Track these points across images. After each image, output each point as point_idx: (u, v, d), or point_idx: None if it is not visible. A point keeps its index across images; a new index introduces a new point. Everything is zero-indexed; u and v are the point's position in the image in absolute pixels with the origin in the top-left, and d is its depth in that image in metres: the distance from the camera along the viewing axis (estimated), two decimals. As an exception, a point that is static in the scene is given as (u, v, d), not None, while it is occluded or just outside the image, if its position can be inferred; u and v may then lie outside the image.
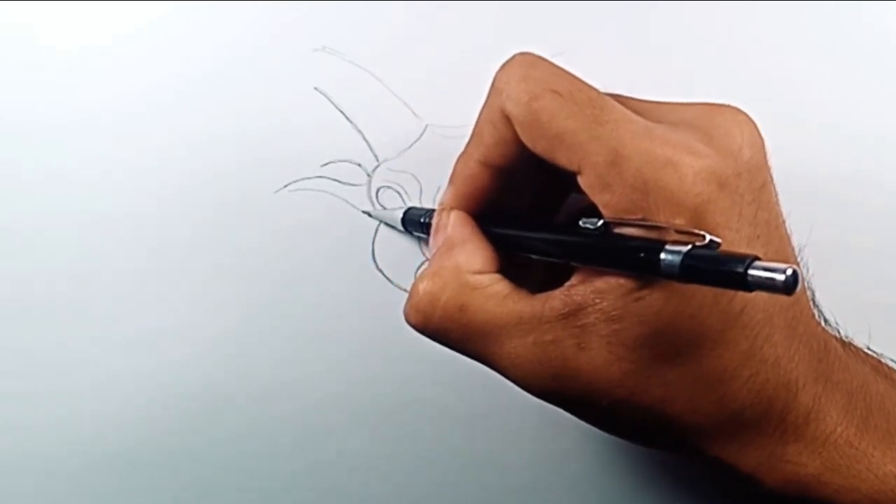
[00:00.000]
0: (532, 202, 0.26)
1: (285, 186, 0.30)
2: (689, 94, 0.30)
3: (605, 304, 0.20)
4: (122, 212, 0.30)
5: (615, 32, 0.30)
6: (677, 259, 0.18)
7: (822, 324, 0.24)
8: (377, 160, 0.30)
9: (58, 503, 0.32)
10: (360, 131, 0.30)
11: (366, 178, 0.30)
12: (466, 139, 0.30)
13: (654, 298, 0.20)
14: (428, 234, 0.27)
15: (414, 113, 0.30)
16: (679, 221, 0.19)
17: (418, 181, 0.30)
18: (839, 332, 0.25)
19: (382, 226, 0.31)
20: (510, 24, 0.30)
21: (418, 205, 0.30)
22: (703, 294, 0.20)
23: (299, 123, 0.30)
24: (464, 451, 0.32)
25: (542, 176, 0.24)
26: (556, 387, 0.22)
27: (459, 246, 0.24)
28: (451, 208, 0.26)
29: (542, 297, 0.22)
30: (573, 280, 0.22)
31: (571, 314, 0.21)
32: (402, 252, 0.31)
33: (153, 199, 0.30)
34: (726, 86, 0.31)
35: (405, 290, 0.31)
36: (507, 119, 0.22)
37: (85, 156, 0.30)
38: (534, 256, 0.24)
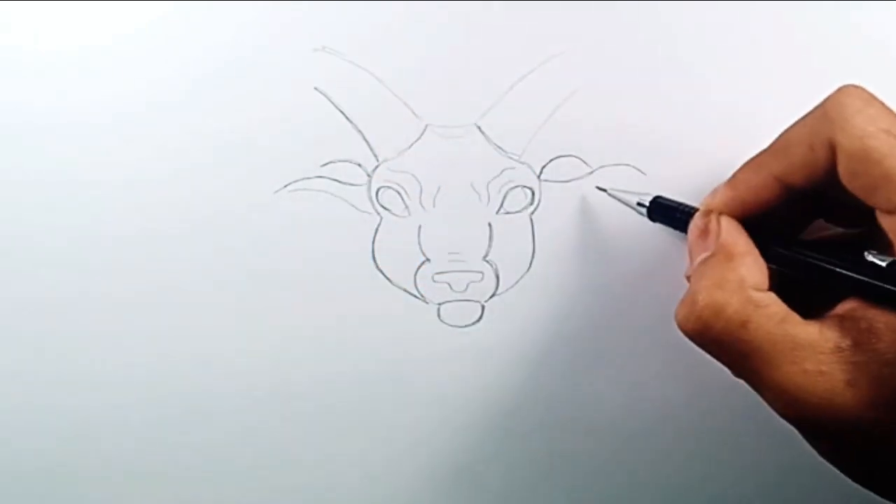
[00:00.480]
0: (784, 219, 0.26)
1: (285, 186, 0.30)
2: (690, 95, 0.30)
3: (881, 345, 0.21)
4: (122, 212, 0.30)
5: (615, 32, 0.30)
6: None
7: None
8: (377, 160, 0.30)
9: (56, 503, 0.32)
10: (360, 131, 0.30)
11: (366, 178, 0.30)
12: (467, 139, 0.30)
13: None
14: (678, 228, 0.27)
15: (414, 113, 0.30)
16: None
17: (418, 181, 0.30)
18: None
19: (382, 226, 0.31)
20: (510, 24, 0.30)
21: (419, 206, 0.30)
22: None
23: (299, 123, 0.30)
24: (464, 450, 0.32)
25: (820, 199, 0.24)
26: (815, 417, 0.22)
27: (740, 257, 0.24)
28: (721, 213, 0.26)
29: (815, 324, 0.22)
30: (845, 309, 0.22)
31: (846, 349, 0.21)
32: (402, 252, 0.31)
33: (153, 198, 0.30)
34: (727, 86, 0.31)
35: (405, 290, 0.31)
36: (831, 147, 0.22)
37: (84, 156, 0.30)
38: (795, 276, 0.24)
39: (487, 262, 0.31)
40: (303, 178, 0.30)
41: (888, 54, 0.31)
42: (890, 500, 0.23)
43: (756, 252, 0.24)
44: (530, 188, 0.31)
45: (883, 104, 0.22)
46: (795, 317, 0.23)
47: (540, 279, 0.31)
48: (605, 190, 0.30)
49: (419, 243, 0.31)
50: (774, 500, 0.33)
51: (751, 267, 0.24)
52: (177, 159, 0.30)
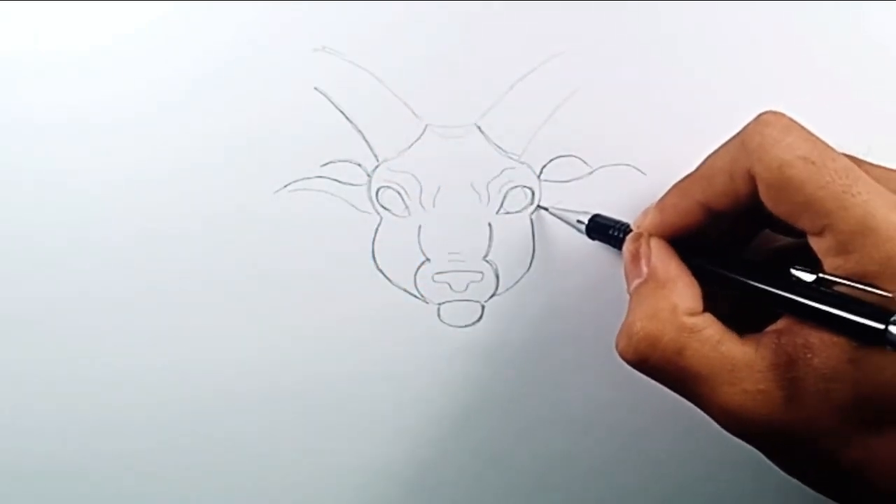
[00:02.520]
0: (727, 234, 0.27)
1: (285, 186, 0.30)
2: (690, 95, 0.30)
3: (817, 360, 0.21)
4: (122, 212, 0.30)
5: (615, 32, 0.30)
6: None
7: None
8: (377, 160, 0.30)
9: (57, 501, 0.32)
10: (360, 131, 0.30)
11: (366, 178, 0.30)
12: (467, 139, 0.30)
13: (871, 364, 0.20)
14: (614, 245, 0.28)
15: (414, 113, 0.30)
16: None
17: (418, 181, 0.30)
18: None
19: (382, 226, 0.31)
20: (510, 24, 0.30)
21: (419, 206, 0.30)
22: None
23: (299, 123, 0.30)
24: (464, 449, 0.32)
25: (750, 217, 0.24)
26: (759, 433, 0.23)
27: (671, 284, 0.24)
28: (651, 235, 0.26)
29: (751, 342, 0.22)
30: (781, 325, 0.22)
31: (782, 365, 0.21)
32: (402, 252, 0.31)
33: (152, 199, 0.30)
34: (727, 86, 0.31)
35: (405, 290, 0.31)
36: (751, 177, 0.22)
37: (84, 156, 0.30)
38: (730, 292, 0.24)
39: (487, 262, 0.31)
40: (303, 178, 0.30)
41: (888, 54, 0.31)
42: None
43: (687, 275, 0.25)
44: (530, 188, 0.31)
45: (802, 129, 0.22)
46: (732, 337, 0.23)
47: (540, 279, 0.31)
48: (546, 209, 0.31)
49: (419, 243, 0.31)
50: (774, 500, 0.33)
51: (682, 292, 0.24)
52: (177, 159, 0.30)
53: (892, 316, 0.19)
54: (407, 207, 0.31)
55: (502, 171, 0.30)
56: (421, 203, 0.31)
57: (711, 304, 0.24)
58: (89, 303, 0.30)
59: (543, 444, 0.32)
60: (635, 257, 0.26)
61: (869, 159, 0.25)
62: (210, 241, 0.30)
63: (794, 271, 0.22)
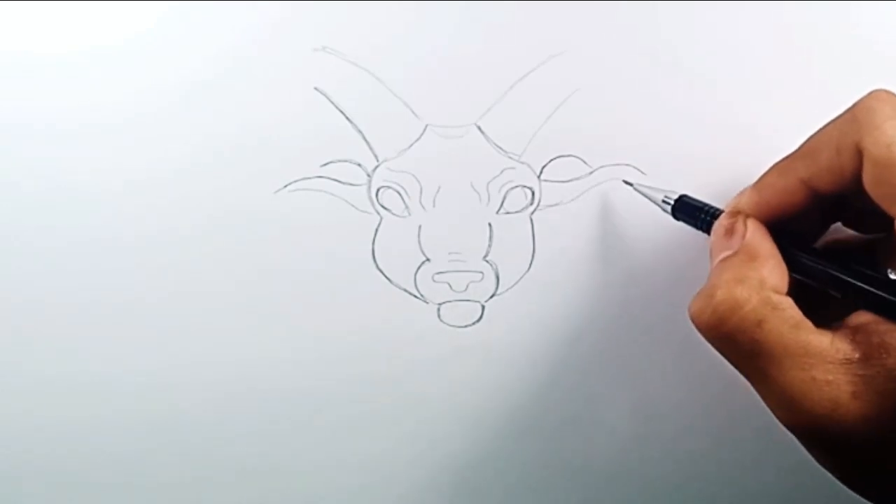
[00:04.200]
0: (806, 221, 0.26)
1: (285, 186, 0.30)
2: (690, 95, 0.30)
3: (891, 361, 0.21)
4: (122, 212, 0.30)
5: (615, 33, 0.30)
6: None
7: None
8: (377, 160, 0.30)
9: (59, 502, 0.32)
10: (360, 131, 0.30)
11: (366, 178, 0.30)
12: (467, 139, 0.30)
13: None
14: (702, 229, 0.27)
15: (414, 113, 0.30)
16: None
17: (418, 181, 0.30)
18: None
19: (382, 226, 0.31)
20: (510, 24, 0.30)
21: (419, 205, 0.30)
22: None
23: (299, 123, 0.30)
24: (464, 450, 0.32)
25: (843, 204, 0.24)
26: (816, 426, 0.22)
27: (763, 259, 0.24)
28: (748, 216, 0.26)
29: (828, 333, 0.22)
30: (857, 322, 0.22)
31: (855, 361, 0.21)
32: (402, 252, 0.31)
33: (152, 199, 0.30)
34: (727, 86, 0.31)
35: (405, 290, 0.31)
36: (858, 152, 0.22)
37: (83, 157, 0.30)
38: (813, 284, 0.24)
39: (487, 262, 0.31)
40: (303, 178, 0.30)
41: (888, 54, 0.31)
42: None
43: (779, 256, 0.24)
44: (530, 188, 0.31)
45: None
46: (809, 324, 0.23)
47: (540, 279, 0.31)
48: (631, 184, 0.30)
49: (419, 243, 0.31)
50: (774, 500, 0.33)
51: (773, 269, 0.24)
52: (177, 160, 0.30)
53: None
54: (407, 207, 0.31)
55: (502, 171, 0.30)
56: (421, 203, 0.31)
57: (790, 293, 0.24)
58: (89, 303, 0.30)
59: (543, 444, 0.32)
60: (728, 232, 0.26)
61: None
62: (210, 241, 0.30)
63: (890, 273, 0.22)
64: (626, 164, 0.31)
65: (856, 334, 0.22)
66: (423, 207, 0.31)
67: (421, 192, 0.30)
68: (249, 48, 0.30)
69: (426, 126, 0.30)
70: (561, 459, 0.32)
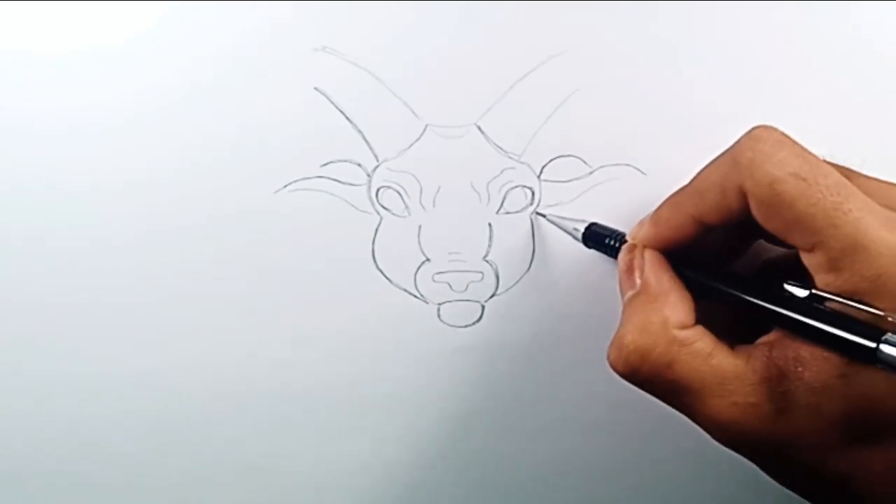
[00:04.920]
0: (720, 246, 0.27)
1: (285, 186, 0.30)
2: (690, 95, 0.30)
3: (808, 374, 0.21)
4: (123, 212, 0.30)
5: (615, 32, 0.30)
6: None
7: None
8: (377, 160, 0.30)
9: (60, 503, 0.32)
10: (360, 131, 0.30)
11: (366, 178, 0.30)
12: (467, 139, 0.30)
13: (861, 379, 0.20)
14: (609, 255, 0.28)
15: (414, 113, 0.30)
16: None
17: (418, 181, 0.30)
18: None
19: (382, 226, 0.31)
20: (510, 24, 0.30)
21: (419, 205, 0.30)
22: None
23: (299, 123, 0.30)
24: (464, 449, 0.32)
25: (743, 231, 0.25)
26: (752, 445, 0.23)
27: (663, 297, 0.25)
28: (645, 247, 0.26)
29: (742, 355, 0.23)
30: (773, 337, 0.22)
31: (773, 378, 0.22)
32: (402, 252, 0.31)
33: (153, 199, 0.30)
34: (727, 86, 0.31)
35: (405, 290, 0.31)
36: (742, 193, 0.22)
37: (83, 157, 0.30)
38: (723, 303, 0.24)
39: (487, 262, 0.31)
40: (303, 178, 0.30)
41: (888, 54, 0.31)
42: None
43: (680, 288, 0.25)
44: (530, 188, 0.31)
45: (794, 144, 0.22)
46: (723, 349, 0.23)
47: (540, 279, 0.31)
48: (544, 215, 0.31)
49: (419, 243, 0.31)
50: (774, 500, 0.33)
51: (675, 305, 0.24)
52: (177, 160, 0.30)
53: (882, 334, 0.19)
54: (407, 207, 0.31)
55: (502, 171, 0.30)
56: (421, 203, 0.31)
57: (705, 316, 0.24)
58: (89, 303, 0.30)
59: (544, 444, 0.32)
60: (629, 269, 0.26)
61: (864, 170, 0.25)
62: (210, 241, 0.30)
63: (787, 286, 0.22)
64: (626, 164, 0.31)
65: (772, 350, 0.22)
66: (423, 207, 0.31)
67: (421, 192, 0.30)
68: (249, 48, 0.30)
69: (426, 126, 0.30)
70: (561, 459, 0.32)
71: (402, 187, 0.30)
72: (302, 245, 0.30)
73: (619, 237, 0.28)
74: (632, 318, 0.25)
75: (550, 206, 0.31)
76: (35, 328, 0.30)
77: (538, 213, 0.31)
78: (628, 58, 0.30)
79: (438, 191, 0.31)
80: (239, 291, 0.31)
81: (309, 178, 0.30)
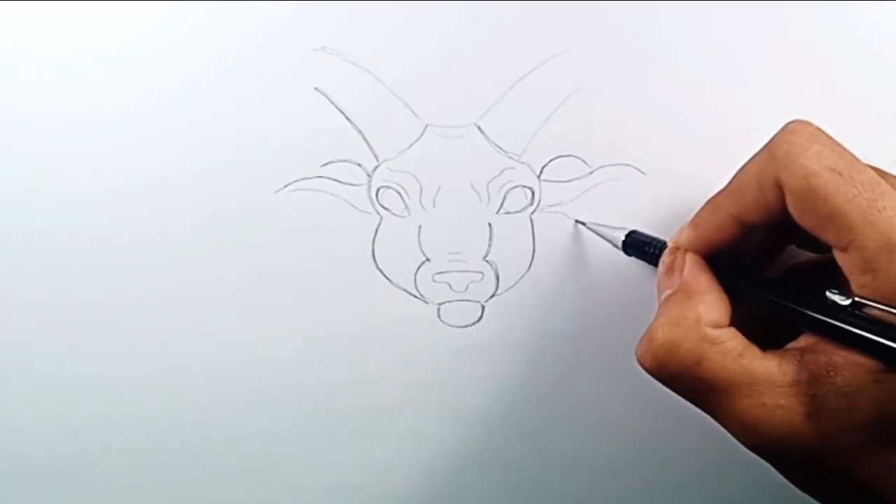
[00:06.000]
0: (756, 249, 0.27)
1: (285, 186, 0.30)
2: (689, 95, 0.30)
3: (840, 379, 0.21)
4: (123, 212, 0.30)
5: (615, 32, 0.30)
6: None
7: None
8: (377, 160, 0.30)
9: (60, 503, 0.32)
10: (360, 131, 0.30)
11: (366, 178, 0.30)
12: (467, 139, 0.30)
13: (893, 386, 0.20)
14: (650, 262, 0.28)
15: (414, 113, 0.30)
16: None
17: (418, 181, 0.30)
18: None
19: (382, 226, 0.31)
20: (510, 24, 0.30)
21: (419, 205, 0.30)
22: None
23: (299, 123, 0.30)
24: (465, 450, 0.32)
25: (780, 232, 0.25)
26: (775, 449, 0.22)
27: (699, 295, 0.24)
28: (687, 250, 0.26)
29: (774, 357, 0.22)
30: (805, 342, 0.22)
31: (804, 382, 0.21)
32: (402, 252, 0.31)
33: (153, 199, 0.30)
34: (727, 86, 0.31)
35: (405, 290, 0.31)
36: (778, 187, 0.22)
37: (84, 157, 0.30)
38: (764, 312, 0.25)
39: (487, 262, 0.31)
40: (303, 178, 0.30)
41: (888, 54, 0.31)
42: None
43: (717, 289, 0.25)
44: (530, 188, 0.31)
45: (829, 139, 0.22)
46: (754, 350, 0.23)
47: (540, 279, 0.31)
48: (584, 223, 0.31)
49: (419, 243, 0.31)
50: (775, 500, 0.33)
51: (710, 304, 0.24)
52: (177, 160, 0.30)
53: None
54: (407, 207, 0.31)
55: (502, 171, 0.30)
56: (421, 203, 0.31)
57: (739, 317, 0.24)
58: (89, 303, 0.30)
59: (544, 444, 0.32)
60: (670, 269, 0.26)
61: (894, 171, 0.25)
62: (210, 241, 0.30)
63: (829, 294, 0.22)
64: (626, 164, 0.31)
65: (804, 355, 0.22)
66: (423, 207, 0.31)
67: (421, 192, 0.30)
68: (249, 48, 0.30)
69: (426, 126, 0.30)
70: (561, 459, 0.32)
71: (402, 187, 0.30)
72: (302, 245, 0.30)
73: (660, 244, 0.28)
74: (665, 314, 0.24)
75: (550, 206, 0.31)
76: (35, 328, 0.30)
77: (578, 222, 0.31)
78: (628, 58, 0.30)
79: (438, 191, 0.31)
80: (239, 291, 0.31)
81: (309, 178, 0.30)
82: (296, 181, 0.30)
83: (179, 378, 0.31)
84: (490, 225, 0.31)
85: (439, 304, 0.31)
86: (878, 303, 0.21)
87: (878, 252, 0.20)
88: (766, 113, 0.30)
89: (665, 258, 0.27)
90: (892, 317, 0.20)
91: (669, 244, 0.27)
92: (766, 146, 0.23)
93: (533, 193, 0.31)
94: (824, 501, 0.24)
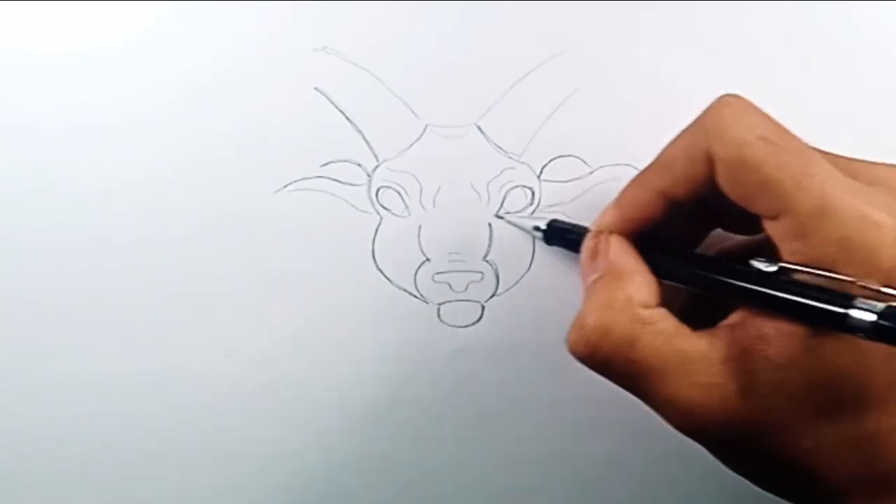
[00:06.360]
0: (682, 231, 0.26)
1: (285, 186, 0.30)
2: (689, 95, 0.30)
3: (772, 351, 0.21)
4: (123, 212, 0.30)
5: (615, 33, 0.30)
6: (870, 316, 0.18)
7: None
8: (377, 160, 0.30)
9: (60, 503, 0.32)
10: (360, 131, 0.30)
11: (366, 178, 0.30)
12: (467, 139, 0.30)
13: (826, 350, 0.20)
14: (572, 249, 0.27)
15: (414, 113, 0.30)
16: (871, 279, 0.19)
17: (418, 181, 0.30)
18: None
19: (382, 226, 0.31)
20: (510, 24, 0.30)
21: (419, 205, 0.30)
22: (877, 352, 0.20)
23: (299, 123, 0.30)
24: (464, 450, 0.32)
25: (706, 211, 0.24)
26: (710, 428, 0.22)
27: (628, 276, 0.24)
28: (611, 232, 0.26)
29: (706, 336, 0.22)
30: (736, 318, 0.22)
31: (736, 358, 0.21)
32: (402, 252, 0.31)
33: (153, 199, 0.30)
34: (727, 86, 0.31)
35: (405, 290, 0.31)
36: (709, 159, 0.22)
37: (84, 157, 0.30)
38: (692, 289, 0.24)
39: (487, 262, 0.31)
40: (303, 178, 0.30)
41: (888, 54, 0.31)
42: (793, 501, 0.24)
43: (644, 269, 0.24)
44: (530, 188, 0.31)
45: (760, 111, 0.22)
46: (686, 330, 0.23)
47: (540, 279, 0.31)
48: (502, 217, 0.30)
49: (419, 243, 0.31)
50: (776, 500, 0.33)
51: (639, 285, 0.24)
52: (177, 160, 0.30)
53: (852, 300, 0.19)
54: (407, 207, 0.31)
55: (502, 171, 0.30)
56: (421, 203, 0.31)
57: (668, 301, 0.24)
58: (89, 303, 0.30)
59: (544, 444, 0.32)
60: (594, 253, 0.26)
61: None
62: (210, 241, 0.30)
63: (754, 262, 0.21)
64: (626, 164, 0.31)
65: (734, 330, 0.22)
66: (423, 207, 0.31)
67: (421, 192, 0.30)
68: (249, 48, 0.30)
69: (426, 126, 0.30)
70: (561, 459, 0.32)
71: (402, 187, 0.30)
72: (302, 245, 0.30)
73: (581, 230, 0.27)
74: (593, 299, 0.24)
75: (551, 206, 0.31)
76: (35, 328, 0.30)
77: (497, 216, 0.30)
78: (628, 58, 0.30)
79: (438, 191, 0.31)
80: (239, 291, 0.31)
81: (309, 178, 0.30)
82: (296, 181, 0.30)
83: (179, 378, 0.31)
84: (490, 225, 0.31)
85: (439, 304, 0.31)
86: (803, 265, 0.20)
87: (809, 217, 0.20)
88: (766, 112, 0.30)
89: (588, 242, 0.26)
90: (819, 280, 0.20)
91: (592, 228, 0.27)
92: (696, 120, 0.23)
93: (533, 193, 0.31)
94: (758, 482, 0.24)
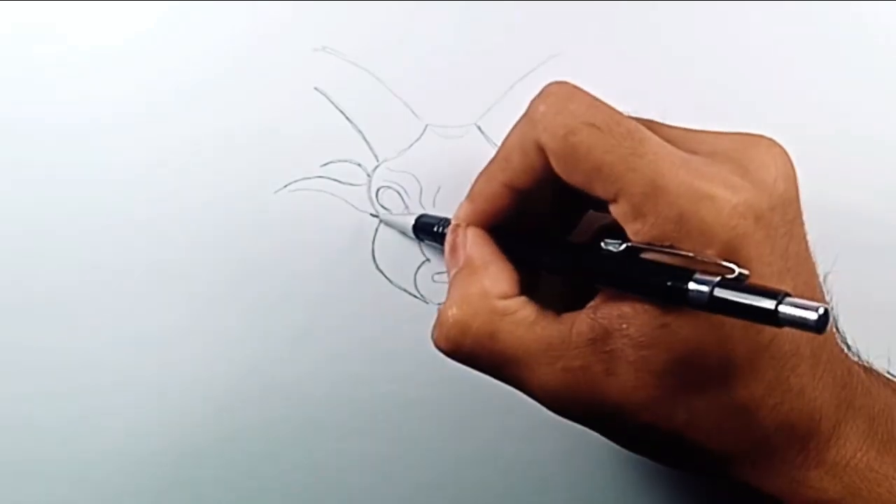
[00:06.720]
0: (549, 218, 0.26)
1: (285, 186, 0.30)
2: (689, 95, 0.30)
3: (631, 329, 0.21)
4: (124, 211, 0.30)
5: (615, 32, 0.30)
6: (706, 289, 0.18)
7: (845, 350, 0.24)
8: (377, 160, 0.30)
9: (60, 503, 0.32)
10: (360, 131, 0.30)
11: (366, 178, 0.30)
12: (467, 139, 0.30)
13: (681, 326, 0.20)
14: (439, 243, 0.27)
15: (414, 113, 0.30)
16: (709, 252, 0.19)
17: (418, 181, 0.30)
18: (860, 358, 0.25)
19: (383, 226, 0.31)
20: (510, 24, 0.30)
21: (419, 205, 0.30)
22: (732, 324, 0.20)
23: (299, 123, 0.30)
24: (463, 450, 0.32)
25: (563, 196, 0.24)
26: (585, 411, 0.22)
27: (483, 269, 0.24)
28: (468, 225, 0.26)
29: (567, 320, 0.22)
30: (597, 301, 0.22)
31: (599, 339, 0.21)
32: (402, 252, 0.31)
33: (154, 198, 0.30)
34: (727, 86, 0.31)
35: (405, 290, 0.31)
36: (540, 149, 0.22)
37: (84, 157, 0.30)
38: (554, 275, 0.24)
39: (487, 262, 0.31)
40: (303, 178, 0.30)
41: (888, 54, 0.31)
42: (678, 468, 0.24)
43: (501, 259, 0.24)
44: (530, 188, 0.31)
45: (586, 95, 0.22)
46: (548, 316, 0.23)
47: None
48: (377, 216, 0.30)
49: (419, 243, 0.31)
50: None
51: (495, 276, 0.24)
52: (177, 159, 0.30)
53: (692, 274, 0.19)
54: (407, 207, 0.31)
55: (502, 171, 0.30)
56: (421, 203, 0.31)
57: (536, 290, 0.24)
58: (88, 302, 0.30)
59: (544, 444, 0.32)
60: (454, 248, 0.26)
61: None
62: (210, 241, 0.30)
63: (603, 244, 0.21)
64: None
65: (596, 312, 0.21)
66: (423, 207, 0.31)
67: (421, 192, 0.31)
68: (249, 48, 0.30)
69: (426, 126, 0.30)
70: (561, 459, 0.32)
71: (402, 187, 0.30)
72: (302, 245, 0.30)
73: (445, 223, 0.27)
74: (452, 293, 0.24)
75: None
76: (35, 327, 0.30)
77: (372, 216, 0.30)
78: (628, 58, 0.30)
79: (438, 191, 0.31)
80: (238, 291, 0.31)
81: (309, 178, 0.30)
82: (296, 181, 0.30)
83: (178, 378, 0.31)
84: (490, 225, 0.31)
85: (439, 304, 0.31)
86: (647, 243, 0.20)
87: (643, 197, 0.20)
88: (766, 113, 0.30)
89: (448, 237, 0.26)
90: (665, 257, 0.20)
91: (452, 222, 0.27)
92: (525, 111, 0.23)
93: (533, 193, 0.31)
94: (652, 457, 0.24)
